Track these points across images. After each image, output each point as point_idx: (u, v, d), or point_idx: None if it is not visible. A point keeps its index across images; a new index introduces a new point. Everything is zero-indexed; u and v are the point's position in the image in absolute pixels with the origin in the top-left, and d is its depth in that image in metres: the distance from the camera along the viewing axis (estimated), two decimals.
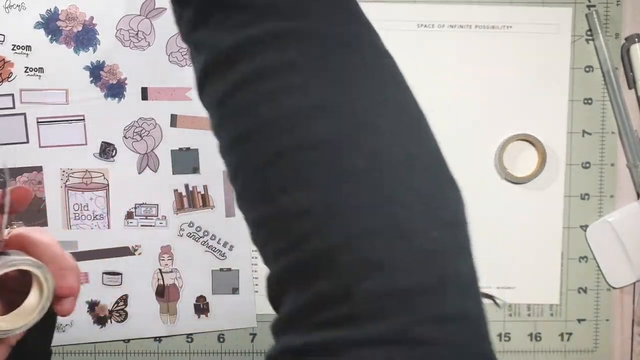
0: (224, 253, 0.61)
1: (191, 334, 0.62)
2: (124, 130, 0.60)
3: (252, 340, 0.62)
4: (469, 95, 0.60)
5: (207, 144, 0.60)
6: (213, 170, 0.60)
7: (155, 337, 0.62)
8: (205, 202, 0.60)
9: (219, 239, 0.61)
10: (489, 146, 0.61)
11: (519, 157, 0.61)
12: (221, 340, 0.62)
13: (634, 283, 0.62)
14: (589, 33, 0.61)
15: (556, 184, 0.61)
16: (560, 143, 0.61)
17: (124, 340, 0.62)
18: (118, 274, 0.61)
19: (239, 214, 0.59)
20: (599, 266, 0.62)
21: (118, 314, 0.61)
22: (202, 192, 0.60)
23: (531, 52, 0.60)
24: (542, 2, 0.60)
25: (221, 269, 0.61)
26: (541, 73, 0.60)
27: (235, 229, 0.61)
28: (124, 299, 0.61)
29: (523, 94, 0.60)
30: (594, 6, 0.60)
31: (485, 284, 0.61)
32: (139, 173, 0.60)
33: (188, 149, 0.60)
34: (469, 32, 0.60)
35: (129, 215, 0.60)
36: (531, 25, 0.60)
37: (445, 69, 0.60)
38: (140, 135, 0.60)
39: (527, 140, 0.60)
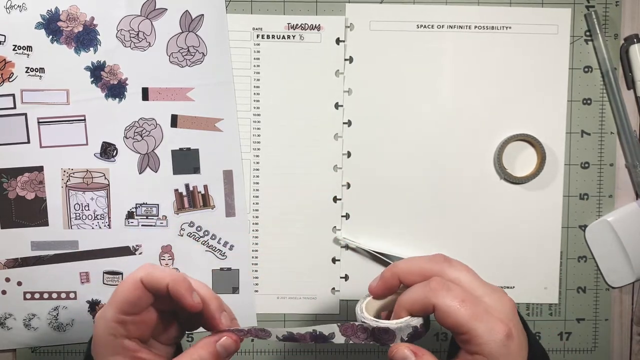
0: (224, 253, 0.61)
1: (191, 334, 0.62)
2: (125, 130, 0.60)
3: (253, 340, 0.62)
4: (468, 96, 0.60)
5: (208, 144, 0.60)
6: (213, 170, 0.60)
7: None
8: (206, 202, 0.60)
9: (219, 239, 0.61)
10: (488, 146, 0.61)
11: (518, 157, 0.61)
12: None
13: (633, 283, 0.62)
14: (588, 33, 0.61)
15: (555, 184, 0.61)
16: (560, 143, 0.61)
17: None
18: (119, 273, 0.61)
19: (239, 213, 0.60)
20: (598, 266, 0.62)
21: None
22: (203, 192, 0.61)
23: (530, 53, 0.60)
24: (541, 2, 0.60)
25: (221, 269, 0.62)
26: (540, 73, 0.60)
27: (235, 229, 0.61)
28: None
29: (522, 94, 0.61)
30: (592, 7, 0.60)
31: None
32: (140, 173, 0.60)
33: (188, 149, 0.60)
34: (468, 32, 0.60)
35: (130, 215, 0.61)
36: (530, 26, 0.60)
37: (445, 69, 0.60)
38: (141, 136, 0.60)
39: (526, 141, 0.61)
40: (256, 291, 0.62)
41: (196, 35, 0.59)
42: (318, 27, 0.60)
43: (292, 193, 0.61)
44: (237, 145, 0.60)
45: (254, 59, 0.60)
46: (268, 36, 0.60)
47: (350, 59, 0.60)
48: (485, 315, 0.39)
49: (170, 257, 0.61)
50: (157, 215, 0.61)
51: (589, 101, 0.61)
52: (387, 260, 0.61)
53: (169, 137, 0.60)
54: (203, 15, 0.59)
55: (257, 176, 0.61)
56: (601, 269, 0.62)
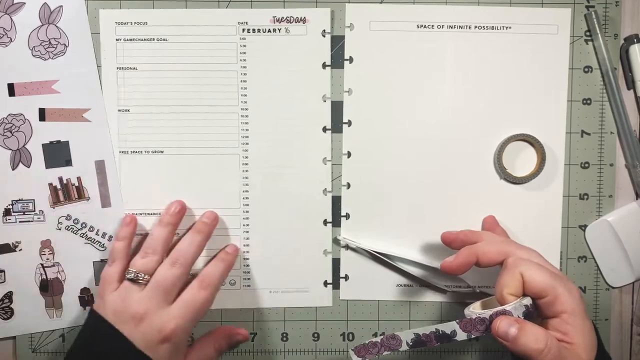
0: (103, 244, 0.61)
1: (191, 334, 0.62)
2: None
3: (253, 340, 0.62)
4: (468, 96, 0.60)
5: (77, 136, 0.60)
6: (85, 162, 0.60)
7: None
8: (80, 194, 0.60)
9: (97, 230, 0.61)
10: (488, 146, 0.61)
11: (518, 157, 0.61)
12: None
13: (633, 283, 0.62)
14: (588, 33, 0.61)
15: (555, 184, 0.61)
16: (559, 143, 0.61)
17: None
18: (1, 271, 0.61)
19: (114, 204, 0.60)
20: (597, 266, 0.62)
21: (4, 311, 0.61)
22: (77, 184, 0.60)
23: (530, 53, 0.60)
24: (541, 2, 0.60)
25: (102, 260, 0.61)
26: (540, 73, 0.60)
27: (111, 220, 0.61)
28: (8, 296, 0.61)
29: (522, 94, 0.61)
30: (593, 7, 0.60)
31: (484, 284, 0.62)
32: (13, 169, 0.60)
33: (59, 142, 0.60)
34: (468, 32, 0.60)
35: (7, 212, 0.60)
36: (530, 26, 0.60)
37: (445, 69, 0.60)
38: (11, 132, 0.60)
39: (526, 141, 0.61)
40: (248, 286, 0.62)
41: (56, 27, 0.59)
42: (303, 20, 0.60)
43: (282, 187, 0.61)
44: (106, 134, 0.60)
45: (240, 53, 0.60)
46: (254, 30, 0.60)
47: (350, 59, 0.60)
48: (559, 278, 0.46)
49: (51, 252, 0.61)
50: (34, 211, 0.60)
51: (589, 101, 0.61)
52: (387, 260, 0.61)
53: (39, 131, 0.60)
54: (62, 6, 0.59)
55: (246, 170, 0.61)
56: (601, 269, 0.62)
